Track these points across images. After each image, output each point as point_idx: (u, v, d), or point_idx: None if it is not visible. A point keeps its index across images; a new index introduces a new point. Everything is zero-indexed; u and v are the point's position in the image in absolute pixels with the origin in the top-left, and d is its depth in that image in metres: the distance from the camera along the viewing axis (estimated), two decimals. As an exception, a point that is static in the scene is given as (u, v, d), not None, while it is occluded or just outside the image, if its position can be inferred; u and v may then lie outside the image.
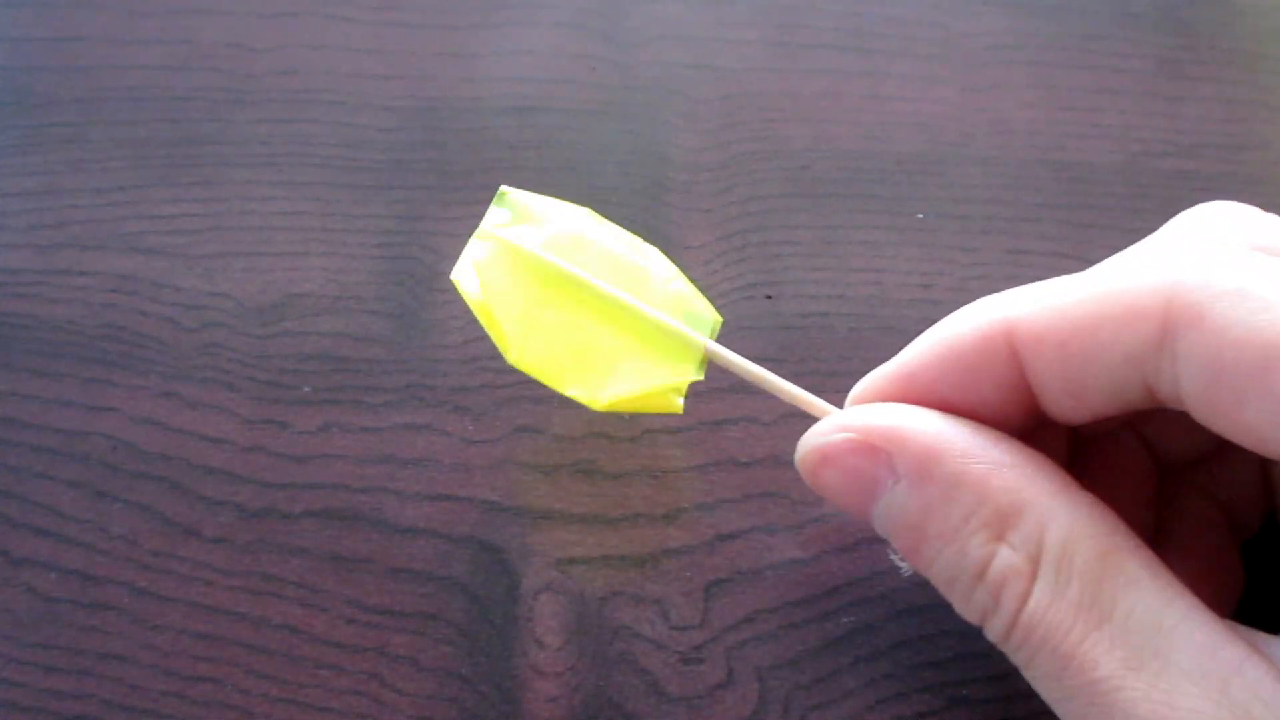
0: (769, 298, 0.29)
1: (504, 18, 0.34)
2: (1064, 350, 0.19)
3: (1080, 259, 0.30)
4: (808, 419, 0.22)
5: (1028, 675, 0.19)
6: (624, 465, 0.26)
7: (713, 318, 0.24)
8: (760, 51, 0.34)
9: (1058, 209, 0.31)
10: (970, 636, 0.24)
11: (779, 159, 0.32)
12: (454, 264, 0.24)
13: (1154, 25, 0.36)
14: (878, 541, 0.25)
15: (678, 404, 0.23)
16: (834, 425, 0.21)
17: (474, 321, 0.24)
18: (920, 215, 0.31)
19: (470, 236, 0.24)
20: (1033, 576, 0.18)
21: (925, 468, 0.19)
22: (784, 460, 0.26)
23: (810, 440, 0.21)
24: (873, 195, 0.31)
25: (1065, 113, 0.34)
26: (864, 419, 0.20)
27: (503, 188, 0.24)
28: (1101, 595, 0.18)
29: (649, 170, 0.31)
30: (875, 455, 0.20)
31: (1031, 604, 0.18)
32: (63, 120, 0.32)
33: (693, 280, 0.24)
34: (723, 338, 0.24)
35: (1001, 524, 0.18)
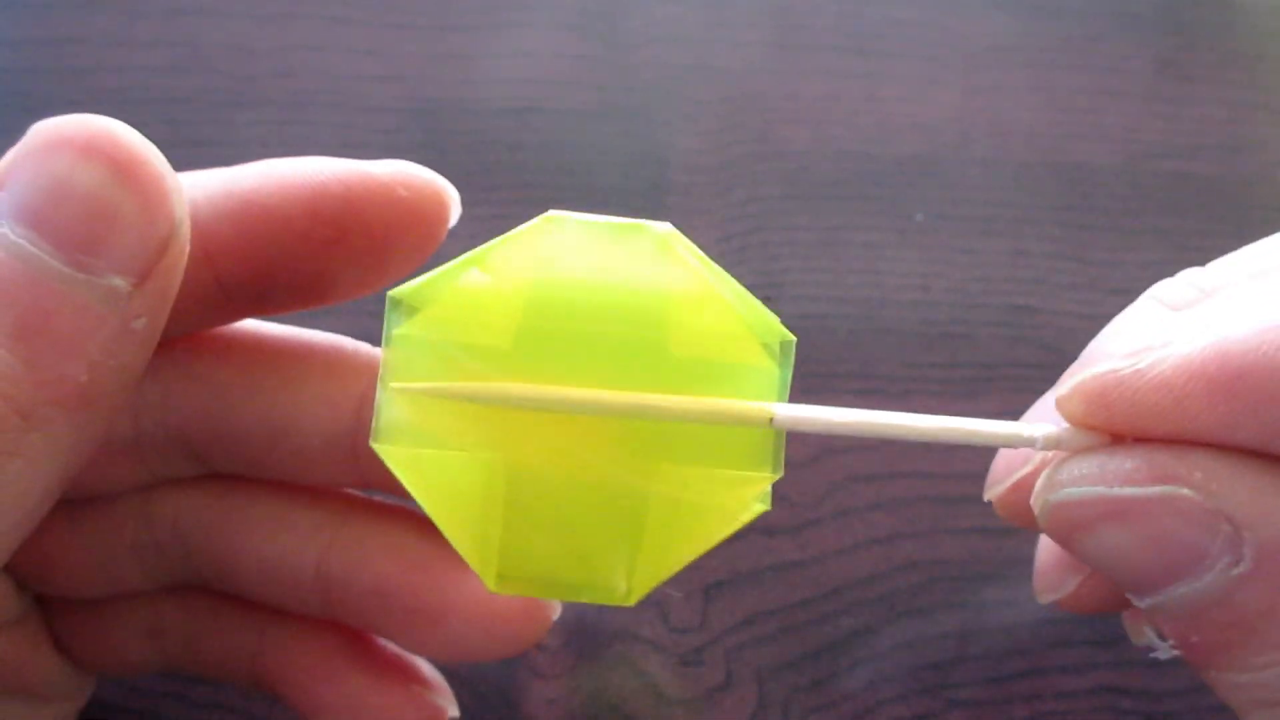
0: (768, 299, 0.29)
1: (503, 19, 0.34)
2: None
3: (1080, 260, 0.30)
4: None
5: None
6: (623, 467, 0.26)
7: (780, 334, 0.16)
8: (759, 53, 0.34)
9: (1057, 210, 0.31)
10: (969, 639, 0.24)
11: (778, 160, 0.32)
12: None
13: (1154, 26, 0.36)
14: (877, 543, 0.25)
15: (754, 512, 0.16)
16: (1147, 468, 0.14)
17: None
18: (919, 217, 0.31)
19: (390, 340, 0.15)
20: None
21: None
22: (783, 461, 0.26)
23: (1085, 483, 0.14)
24: (872, 197, 0.31)
25: (1065, 114, 0.34)
26: (1203, 469, 0.14)
27: (390, 293, 0.15)
28: None
29: (648, 172, 0.31)
30: (1213, 526, 0.14)
31: None
32: (62, 122, 0.32)
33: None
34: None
35: None
